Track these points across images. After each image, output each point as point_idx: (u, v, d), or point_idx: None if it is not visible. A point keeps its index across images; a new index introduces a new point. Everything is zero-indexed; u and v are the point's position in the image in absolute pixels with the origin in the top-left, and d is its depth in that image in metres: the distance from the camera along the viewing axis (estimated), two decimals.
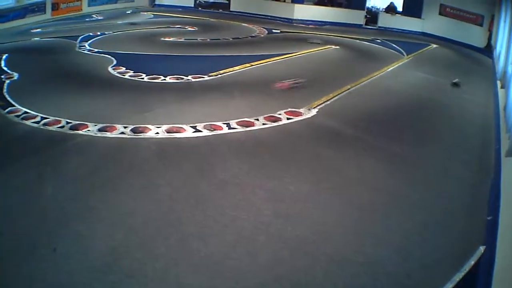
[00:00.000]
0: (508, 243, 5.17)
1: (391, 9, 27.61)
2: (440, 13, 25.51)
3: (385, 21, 27.37)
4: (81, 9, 28.19)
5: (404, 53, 19.49)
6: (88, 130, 9.02)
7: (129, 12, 28.76)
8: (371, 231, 6.14)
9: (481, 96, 14.23)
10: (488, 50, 23.08)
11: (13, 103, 10.57)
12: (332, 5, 28.63)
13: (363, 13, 27.92)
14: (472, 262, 5.36)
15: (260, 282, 5.05)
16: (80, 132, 8.96)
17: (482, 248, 5.55)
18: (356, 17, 27.62)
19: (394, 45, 21.13)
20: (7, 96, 11.15)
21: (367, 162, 8.28)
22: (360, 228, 6.20)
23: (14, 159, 7.85)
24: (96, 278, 4.96)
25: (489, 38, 23.96)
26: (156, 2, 32.54)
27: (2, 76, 13.08)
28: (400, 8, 27.86)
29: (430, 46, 22.78)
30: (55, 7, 26.28)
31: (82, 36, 19.39)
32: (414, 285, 5.17)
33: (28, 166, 7.61)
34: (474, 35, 24.22)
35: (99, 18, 26.56)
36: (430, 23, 25.90)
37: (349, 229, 6.15)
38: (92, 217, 6.14)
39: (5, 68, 13.99)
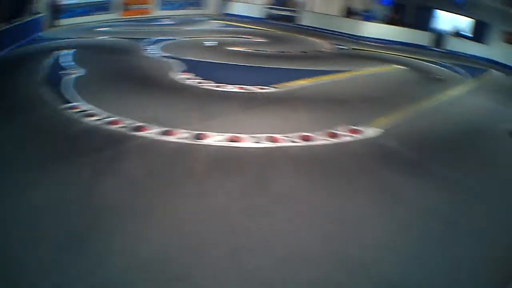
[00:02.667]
0: None
1: (457, 33, 27.12)
2: (504, 40, 24.85)
3: (451, 44, 26.84)
4: (151, 12, 28.58)
5: (469, 78, 18.92)
6: (150, 132, 9.08)
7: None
8: (421, 256, 5.97)
9: None
10: None
11: (77, 99, 10.80)
12: (402, 25, 28.28)
13: (431, 34, 27.45)
14: None
15: None
16: (142, 133, 9.04)
17: None
18: (424, 38, 27.17)
19: (459, 69, 20.61)
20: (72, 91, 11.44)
21: (425, 187, 7.96)
22: (410, 253, 6.02)
23: (75, 155, 7.96)
24: (145, 278, 4.98)
25: None
26: (226, 12, 32.76)
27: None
28: (467, 33, 27.33)
29: (493, 72, 22.12)
30: (124, 7, 26.71)
31: (150, 39, 19.66)
32: None
33: (87, 163, 7.71)
34: None
35: (169, 23, 26.86)
36: (495, 49, 25.24)
37: (398, 253, 5.99)
38: (146, 219, 6.15)
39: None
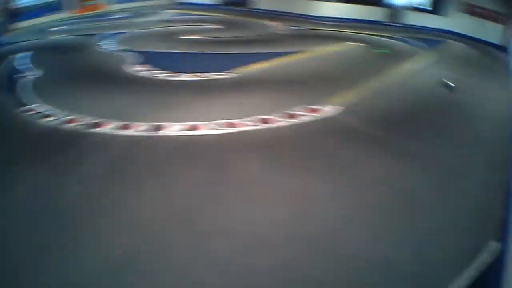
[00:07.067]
0: None
1: (412, 6, 27.22)
2: (461, 11, 25.02)
3: (409, 18, 26.97)
4: (105, 7, 28.30)
5: (426, 50, 19.05)
6: (108, 128, 9.06)
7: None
8: (386, 230, 6.05)
9: (500, 93, 13.72)
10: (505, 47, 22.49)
11: (33, 101, 10.69)
12: (355, 2, 28.23)
13: (386, 10, 27.55)
14: (485, 258, 5.30)
15: (275, 281, 5.01)
16: (100, 130, 9.00)
17: (494, 245, 5.49)
18: (379, 14, 27.25)
19: (416, 41, 20.75)
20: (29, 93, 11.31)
21: (385, 161, 8.10)
22: (375, 227, 6.11)
23: (35, 157, 7.89)
24: (112, 276, 4.98)
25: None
26: (180, 1, 32.54)
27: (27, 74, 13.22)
28: (424, 5, 27.41)
29: (453, 43, 22.30)
30: (78, 4, 26.42)
31: (105, 34, 19.45)
32: (428, 282, 5.14)
33: (48, 163, 7.65)
34: (493, 33, 23.64)
35: (123, 16, 26.60)
36: (455, 21, 25.44)
37: (365, 229, 6.08)
38: (110, 216, 6.16)
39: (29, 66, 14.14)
